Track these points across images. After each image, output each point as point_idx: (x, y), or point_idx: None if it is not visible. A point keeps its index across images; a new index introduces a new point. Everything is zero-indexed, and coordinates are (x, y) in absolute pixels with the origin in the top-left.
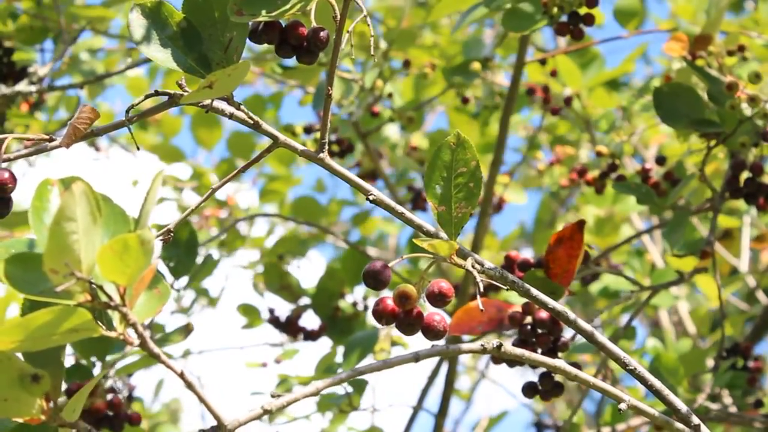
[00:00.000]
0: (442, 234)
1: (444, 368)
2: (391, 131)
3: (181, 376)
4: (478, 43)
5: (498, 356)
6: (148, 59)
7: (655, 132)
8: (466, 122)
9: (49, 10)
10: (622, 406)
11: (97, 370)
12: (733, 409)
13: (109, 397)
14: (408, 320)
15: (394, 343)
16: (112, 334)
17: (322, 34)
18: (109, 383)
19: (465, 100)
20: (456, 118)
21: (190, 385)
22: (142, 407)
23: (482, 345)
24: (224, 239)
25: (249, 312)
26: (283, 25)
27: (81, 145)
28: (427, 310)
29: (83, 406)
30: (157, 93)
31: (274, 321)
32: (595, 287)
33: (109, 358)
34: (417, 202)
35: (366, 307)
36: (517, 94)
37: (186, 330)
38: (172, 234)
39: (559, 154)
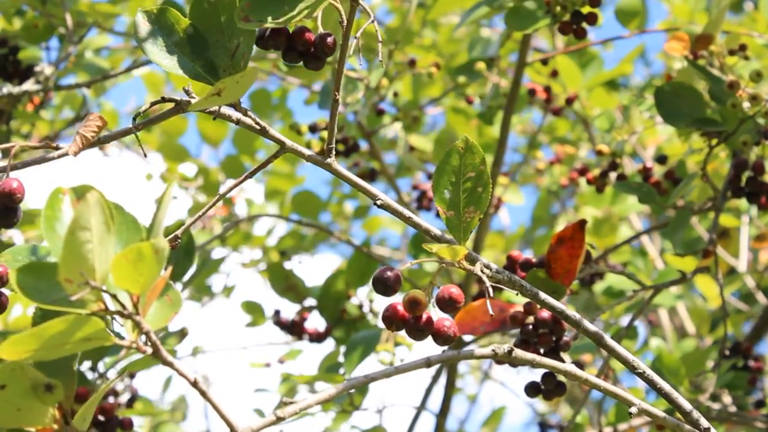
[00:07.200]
0: (451, 238)
1: (446, 368)
2: (396, 130)
3: (194, 384)
4: (483, 43)
5: (509, 361)
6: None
7: (653, 133)
8: (464, 122)
9: (55, 8)
10: (633, 410)
11: (89, 373)
12: (733, 409)
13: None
14: (418, 326)
15: (397, 344)
16: (125, 342)
17: (329, 40)
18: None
19: (469, 101)
20: (453, 118)
21: (203, 393)
22: (149, 405)
23: (493, 350)
24: (226, 236)
25: (253, 309)
26: (290, 31)
27: None
28: (437, 315)
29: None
30: (164, 99)
31: (280, 323)
32: (598, 287)
33: (107, 360)
34: (422, 201)
35: (371, 310)
36: (518, 94)
37: (181, 334)
38: (179, 240)
39: (559, 153)
